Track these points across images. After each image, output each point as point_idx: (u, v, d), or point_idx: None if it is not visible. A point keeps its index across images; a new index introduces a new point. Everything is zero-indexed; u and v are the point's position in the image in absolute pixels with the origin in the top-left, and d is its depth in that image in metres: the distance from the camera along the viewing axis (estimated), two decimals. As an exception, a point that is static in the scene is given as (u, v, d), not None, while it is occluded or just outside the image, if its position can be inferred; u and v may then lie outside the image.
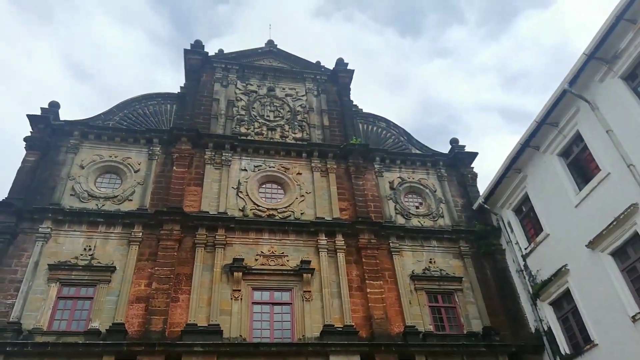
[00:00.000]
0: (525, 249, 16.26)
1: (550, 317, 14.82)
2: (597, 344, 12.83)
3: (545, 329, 14.92)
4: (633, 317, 11.66)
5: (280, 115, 20.53)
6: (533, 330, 15.44)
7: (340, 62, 22.70)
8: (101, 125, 18.00)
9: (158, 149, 17.78)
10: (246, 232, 16.19)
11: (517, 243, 16.71)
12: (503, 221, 17.60)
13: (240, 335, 13.87)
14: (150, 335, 13.15)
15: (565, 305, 14.42)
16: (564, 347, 14.21)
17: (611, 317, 12.37)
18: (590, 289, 13.21)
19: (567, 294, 14.22)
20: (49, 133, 16.98)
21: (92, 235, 15.11)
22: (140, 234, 15.31)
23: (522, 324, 15.71)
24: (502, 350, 14.83)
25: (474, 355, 14.62)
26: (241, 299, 14.61)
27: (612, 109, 12.83)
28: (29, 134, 16.79)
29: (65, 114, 18.47)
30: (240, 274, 14.97)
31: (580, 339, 13.61)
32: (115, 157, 17.34)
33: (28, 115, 16.92)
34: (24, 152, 16.36)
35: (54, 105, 17.77)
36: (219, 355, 13.08)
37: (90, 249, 14.78)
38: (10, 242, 14.27)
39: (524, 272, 16.12)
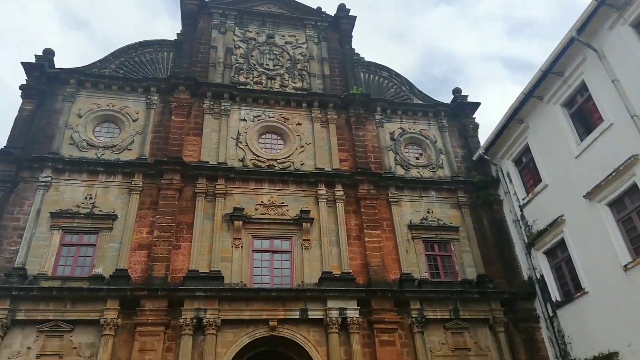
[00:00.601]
0: (523, 199, 16.35)
1: (543, 266, 15.15)
2: (587, 292, 13.17)
3: (538, 277, 15.27)
4: (625, 266, 11.87)
5: (280, 63, 20.06)
6: (526, 278, 15.82)
7: (342, 8, 21.87)
8: (97, 73, 17.69)
9: (156, 97, 17.54)
10: (246, 182, 16.27)
11: (515, 194, 16.80)
12: (502, 172, 17.61)
13: (241, 281, 14.26)
14: (153, 280, 13.54)
15: (559, 254, 14.68)
16: (555, 294, 14.61)
17: (603, 266, 12.61)
18: (584, 239, 13.40)
19: (561, 243, 14.46)
20: (44, 81, 16.73)
21: (93, 184, 15.23)
22: (141, 183, 15.42)
23: (516, 273, 16.09)
24: (494, 297, 15.28)
25: (468, 302, 15.08)
26: (242, 246, 14.91)
27: (619, 58, 12.48)
28: (25, 82, 16.54)
29: (61, 64, 18.07)
30: (241, 222, 15.19)
31: (572, 286, 13.96)
32: (112, 106, 17.16)
33: (22, 63, 16.62)
34: (21, 101, 16.19)
35: (49, 53, 17.39)
36: (220, 299, 13.53)
37: (91, 198, 14.95)
38: (11, 190, 14.44)
39: (520, 222, 16.30)
